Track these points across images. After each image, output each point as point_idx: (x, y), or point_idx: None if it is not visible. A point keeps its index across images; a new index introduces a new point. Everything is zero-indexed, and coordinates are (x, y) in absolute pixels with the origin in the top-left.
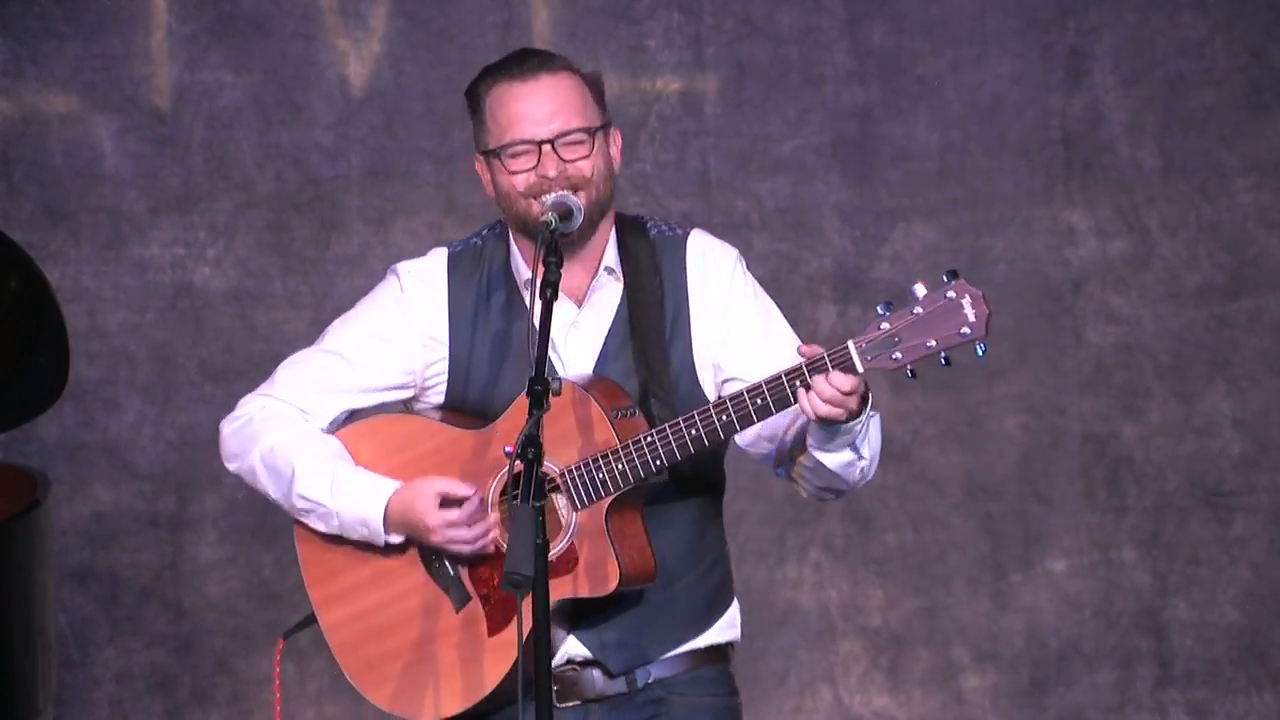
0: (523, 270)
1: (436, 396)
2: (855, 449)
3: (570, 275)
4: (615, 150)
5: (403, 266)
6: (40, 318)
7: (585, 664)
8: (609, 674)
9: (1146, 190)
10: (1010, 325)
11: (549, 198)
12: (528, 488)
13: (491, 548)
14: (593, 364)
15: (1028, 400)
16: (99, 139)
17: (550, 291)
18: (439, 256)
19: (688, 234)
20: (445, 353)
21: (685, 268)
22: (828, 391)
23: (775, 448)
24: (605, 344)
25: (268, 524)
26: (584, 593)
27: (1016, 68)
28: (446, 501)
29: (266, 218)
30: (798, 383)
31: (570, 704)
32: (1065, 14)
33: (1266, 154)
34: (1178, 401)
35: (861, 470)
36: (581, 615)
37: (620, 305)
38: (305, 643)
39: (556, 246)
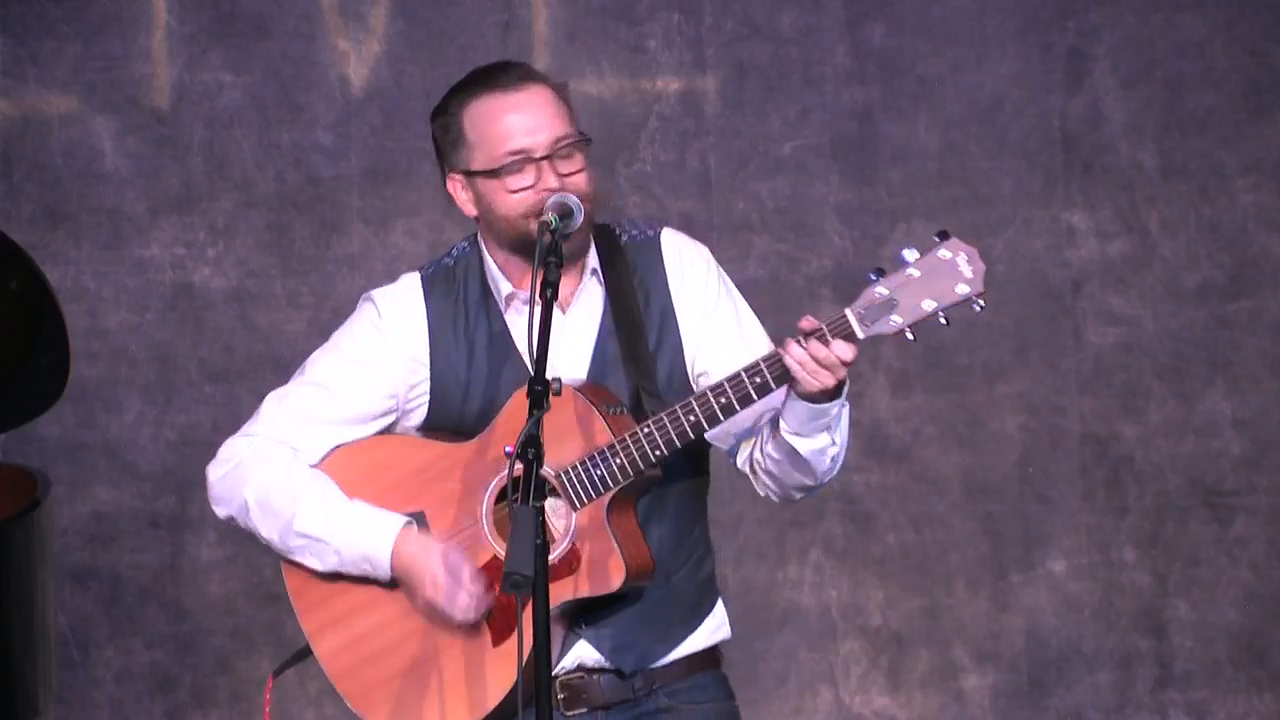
0: (501, 283)
1: (416, 419)
2: (829, 430)
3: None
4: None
5: (377, 293)
6: (40, 318)
7: (594, 670)
8: (621, 675)
9: (1146, 190)
10: (1010, 325)
11: (549, 199)
12: (528, 488)
13: (478, 616)
14: (586, 367)
15: (1028, 400)
16: (99, 139)
17: (550, 292)
18: (412, 280)
19: (659, 234)
20: (427, 374)
21: (664, 269)
22: (828, 358)
23: (739, 439)
24: (596, 347)
25: None
26: (591, 592)
27: (1016, 68)
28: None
29: (266, 218)
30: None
31: (577, 711)
32: (1065, 14)
33: (1266, 154)
34: (1178, 401)
35: (832, 459)
36: (585, 619)
37: (604, 308)
38: (304, 642)
39: (557, 247)
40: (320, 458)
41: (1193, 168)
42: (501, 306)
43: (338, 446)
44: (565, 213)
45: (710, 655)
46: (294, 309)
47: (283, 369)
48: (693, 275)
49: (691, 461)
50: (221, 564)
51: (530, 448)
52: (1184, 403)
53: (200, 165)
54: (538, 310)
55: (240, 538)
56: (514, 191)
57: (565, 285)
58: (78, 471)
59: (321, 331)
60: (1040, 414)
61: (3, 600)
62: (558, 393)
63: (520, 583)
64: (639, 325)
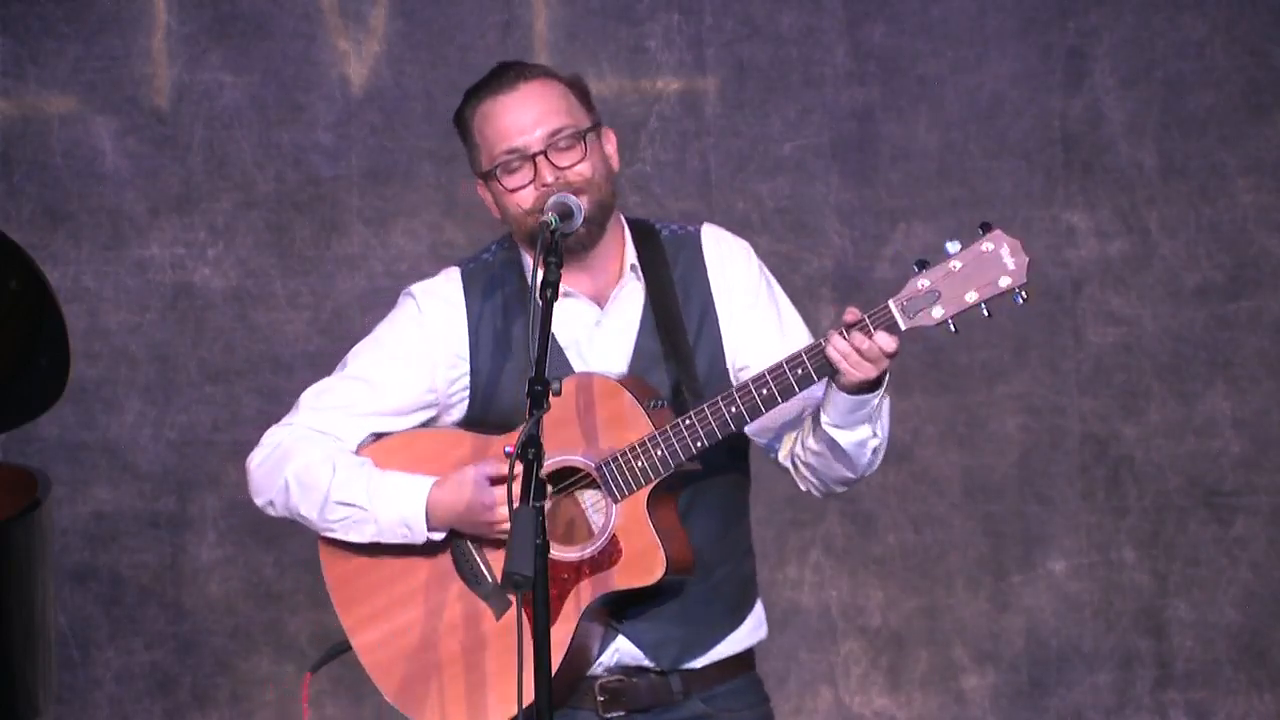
0: (533, 275)
1: (458, 413)
2: (871, 422)
3: (591, 277)
4: (611, 149)
5: (418, 288)
6: (40, 318)
7: (634, 672)
8: (661, 675)
9: (1146, 190)
10: (1010, 325)
11: (550, 199)
12: (527, 488)
13: None
14: (626, 364)
15: (1028, 400)
16: (99, 139)
17: (550, 291)
18: (452, 275)
19: (699, 231)
20: (467, 369)
21: (704, 265)
22: (871, 350)
23: (779, 434)
24: (637, 343)
25: (268, 524)
26: (631, 584)
27: (1016, 68)
28: (496, 482)
29: (266, 218)
30: None
31: (615, 713)
32: (1065, 14)
33: (1266, 154)
34: (1178, 401)
35: (874, 451)
36: (623, 615)
37: (645, 305)
38: (304, 643)
39: (557, 247)
40: (358, 446)
41: (1193, 168)
42: (538, 299)
43: (379, 436)
44: (565, 213)
45: (747, 657)
46: (294, 309)
47: (283, 369)
48: (733, 270)
49: (733, 458)
50: (221, 564)
51: (530, 448)
52: (1184, 403)
53: (200, 165)
54: (542, 310)
55: (240, 537)
56: (514, 190)
57: (601, 280)
58: (78, 471)
59: (321, 331)
60: (1040, 414)
61: (3, 600)
62: (557, 392)
63: (520, 583)
64: (679, 322)
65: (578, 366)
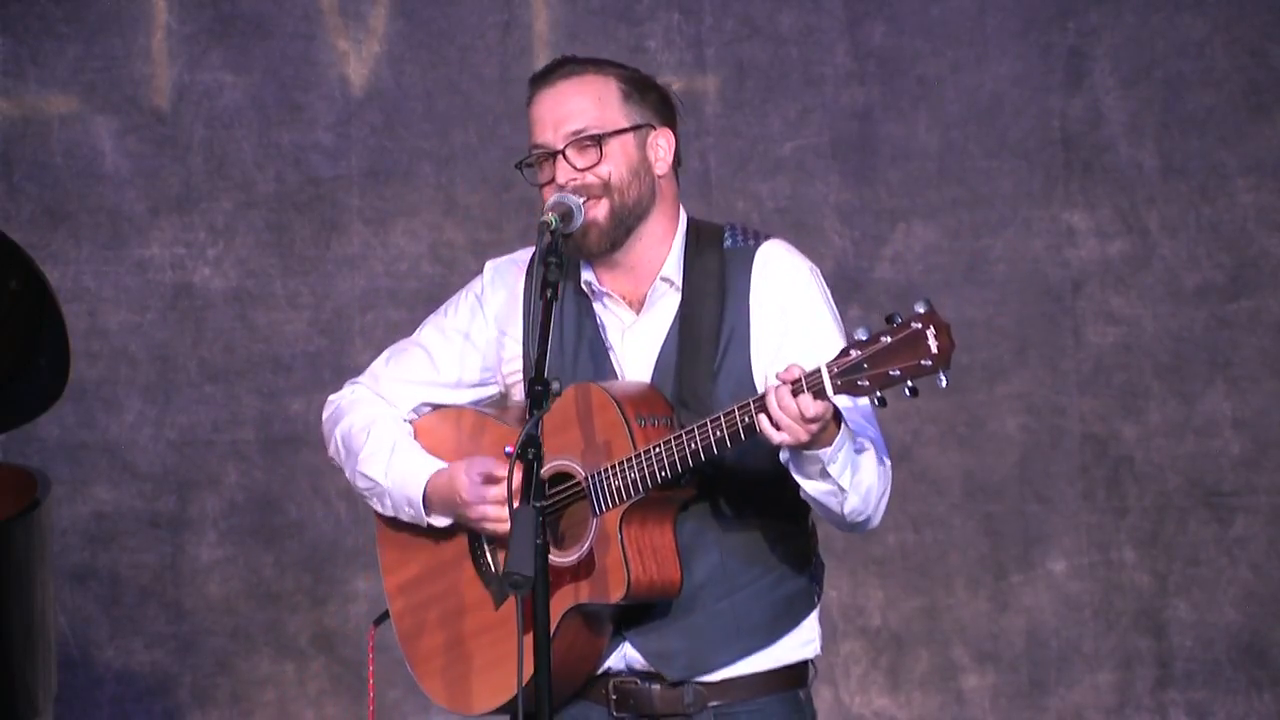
0: (582, 272)
1: (518, 393)
2: (829, 479)
3: (628, 281)
4: (656, 152)
5: (490, 264)
6: (40, 318)
7: (645, 677)
8: (670, 684)
9: (1146, 190)
10: (1010, 325)
11: (550, 199)
12: (527, 488)
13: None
14: (650, 371)
15: (1028, 400)
16: (99, 139)
17: (550, 292)
18: (525, 254)
19: (758, 245)
20: (519, 351)
21: (749, 283)
22: (790, 409)
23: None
24: (661, 354)
25: (268, 524)
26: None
27: (1016, 68)
28: (488, 481)
29: (266, 218)
30: None
31: (623, 715)
32: (1065, 14)
33: (1266, 154)
34: (1178, 401)
35: (847, 504)
36: (627, 623)
37: (676, 316)
38: (304, 642)
39: (557, 247)
40: (412, 413)
41: (1193, 168)
42: (589, 294)
43: (435, 406)
44: (565, 213)
45: (787, 674)
46: (294, 309)
47: (283, 369)
48: (774, 293)
49: (778, 481)
50: (221, 564)
51: (530, 448)
52: (1184, 403)
53: (200, 165)
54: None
55: (241, 537)
56: (540, 186)
57: (638, 286)
58: (78, 471)
59: (321, 331)
60: (1040, 414)
61: (3, 600)
62: (558, 393)
63: (520, 583)
64: (708, 338)
65: (617, 369)
